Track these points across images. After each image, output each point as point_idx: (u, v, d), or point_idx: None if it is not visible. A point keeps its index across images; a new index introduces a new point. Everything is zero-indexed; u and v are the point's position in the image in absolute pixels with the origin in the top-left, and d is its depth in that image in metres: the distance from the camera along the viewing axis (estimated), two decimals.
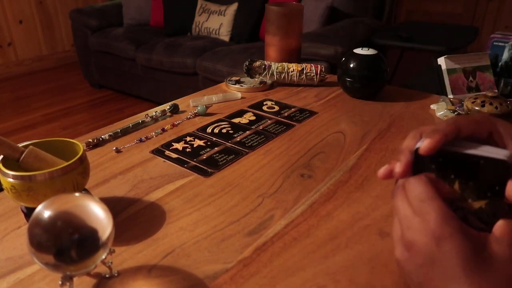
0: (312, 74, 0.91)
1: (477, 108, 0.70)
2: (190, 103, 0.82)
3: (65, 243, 0.33)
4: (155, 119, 0.75)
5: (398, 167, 0.35)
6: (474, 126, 0.35)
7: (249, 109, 0.81)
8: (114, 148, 0.65)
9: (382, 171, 0.37)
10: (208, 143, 0.66)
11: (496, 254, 0.30)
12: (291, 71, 0.91)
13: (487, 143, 0.34)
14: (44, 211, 0.34)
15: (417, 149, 0.34)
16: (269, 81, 0.93)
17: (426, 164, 0.34)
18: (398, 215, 0.35)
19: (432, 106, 0.79)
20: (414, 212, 0.33)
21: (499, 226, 0.30)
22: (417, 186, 0.33)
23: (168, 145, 0.66)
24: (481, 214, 0.32)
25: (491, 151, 0.32)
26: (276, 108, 0.81)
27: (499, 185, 0.31)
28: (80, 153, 0.44)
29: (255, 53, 2.31)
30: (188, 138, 0.68)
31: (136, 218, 0.48)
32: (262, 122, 0.75)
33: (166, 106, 0.78)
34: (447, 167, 0.33)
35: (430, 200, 0.32)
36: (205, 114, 0.78)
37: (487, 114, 0.37)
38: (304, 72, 0.91)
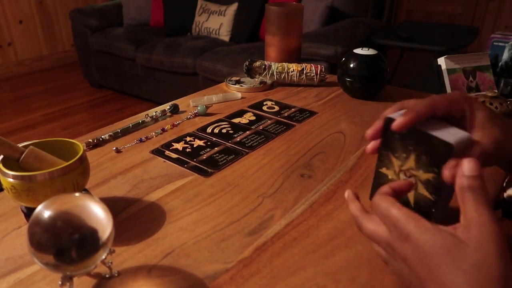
0: (312, 74, 0.91)
1: None
2: (190, 103, 0.82)
3: (65, 243, 0.33)
4: (155, 119, 0.75)
5: (369, 130, 0.41)
6: (449, 106, 0.38)
7: (249, 109, 0.81)
8: (114, 148, 0.65)
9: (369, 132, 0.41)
10: (208, 143, 0.66)
11: (464, 240, 0.30)
12: (291, 71, 0.91)
13: (460, 122, 0.38)
14: (44, 211, 0.34)
15: (388, 118, 0.39)
16: (269, 81, 0.93)
17: (393, 132, 0.39)
18: (376, 240, 0.36)
19: None
20: (387, 229, 0.34)
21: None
22: (379, 203, 0.35)
23: (168, 145, 0.66)
24: (428, 185, 0.38)
25: (447, 134, 0.36)
26: (276, 108, 0.81)
27: (443, 163, 0.35)
28: (80, 153, 0.44)
29: (255, 53, 2.31)
30: (188, 138, 0.68)
31: (136, 218, 0.48)
32: (262, 122, 0.75)
33: (166, 106, 0.78)
34: (408, 139, 0.38)
35: (387, 212, 0.34)
36: (205, 114, 0.78)
37: (465, 93, 0.40)
38: (304, 72, 0.91)
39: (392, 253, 0.35)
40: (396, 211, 0.33)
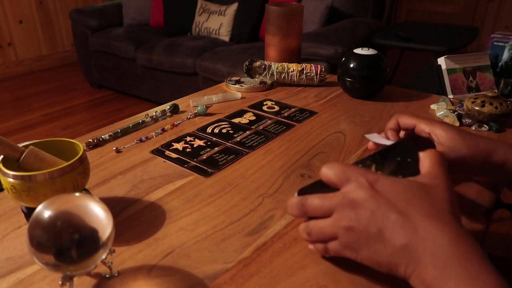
0: (312, 74, 0.91)
1: (477, 108, 0.70)
2: (190, 103, 0.82)
3: (65, 243, 0.33)
4: (155, 119, 0.75)
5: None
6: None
7: (249, 109, 0.81)
8: (114, 148, 0.65)
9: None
10: (208, 143, 0.66)
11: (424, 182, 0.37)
12: (291, 71, 0.91)
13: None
14: (44, 211, 0.34)
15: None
16: (269, 81, 0.93)
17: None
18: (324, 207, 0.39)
19: (432, 106, 0.79)
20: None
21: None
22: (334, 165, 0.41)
23: (168, 145, 0.66)
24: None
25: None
26: (276, 108, 0.81)
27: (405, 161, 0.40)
28: (80, 153, 0.44)
29: (255, 53, 2.31)
30: (188, 138, 0.68)
31: (136, 218, 0.48)
32: (262, 122, 0.75)
33: (166, 106, 0.78)
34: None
35: (347, 167, 0.40)
36: (205, 114, 0.78)
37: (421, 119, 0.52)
38: (304, 72, 0.91)
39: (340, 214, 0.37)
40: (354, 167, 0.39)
